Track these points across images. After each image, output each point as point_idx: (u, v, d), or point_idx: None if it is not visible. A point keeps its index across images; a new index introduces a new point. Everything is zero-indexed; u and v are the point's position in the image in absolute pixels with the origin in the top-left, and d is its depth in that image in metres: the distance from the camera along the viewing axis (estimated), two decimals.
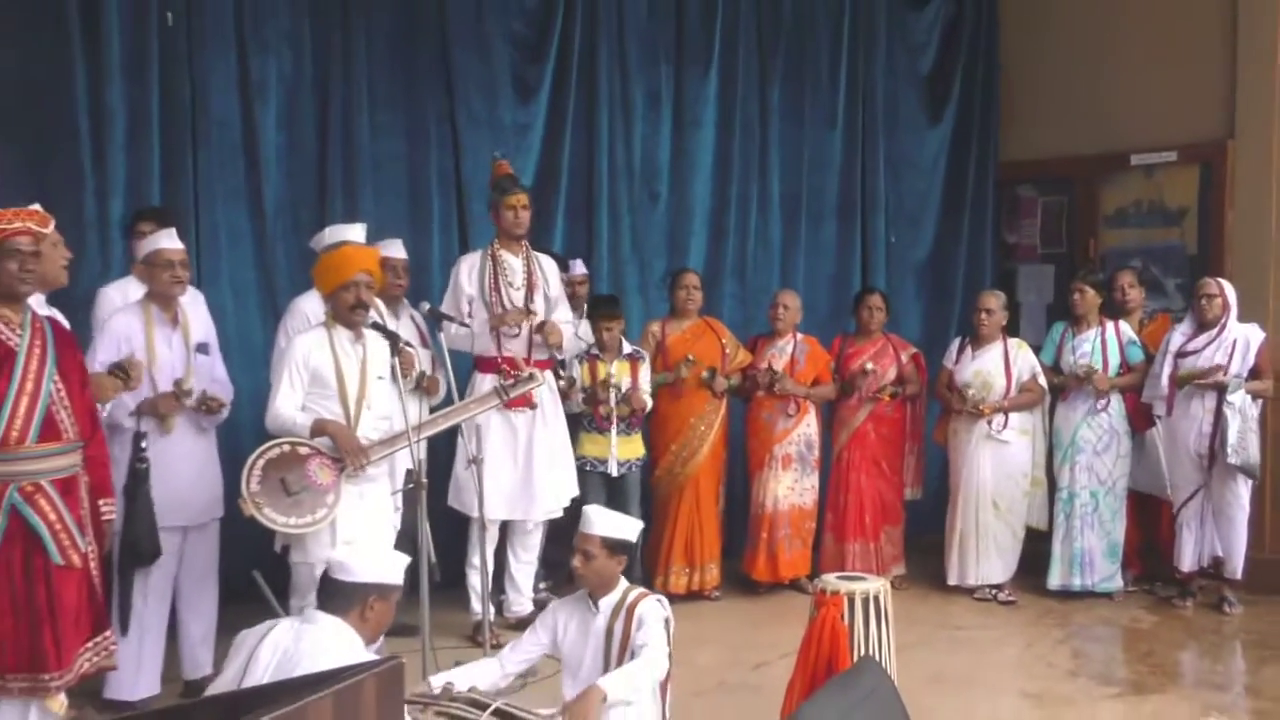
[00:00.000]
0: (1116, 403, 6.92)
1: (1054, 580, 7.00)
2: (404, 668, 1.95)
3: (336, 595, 3.59)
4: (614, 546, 4.36)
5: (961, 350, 7.11)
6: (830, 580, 4.61)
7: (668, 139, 7.84)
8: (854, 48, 8.32)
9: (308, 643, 3.47)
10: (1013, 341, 7.05)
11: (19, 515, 4.12)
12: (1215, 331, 6.60)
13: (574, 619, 4.48)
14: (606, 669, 4.19)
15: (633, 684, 4.15)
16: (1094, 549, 6.96)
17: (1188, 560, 6.78)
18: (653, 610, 4.34)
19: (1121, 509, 6.98)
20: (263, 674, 3.47)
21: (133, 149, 6.42)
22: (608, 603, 4.37)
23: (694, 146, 7.89)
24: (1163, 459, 6.93)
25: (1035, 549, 7.10)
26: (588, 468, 6.53)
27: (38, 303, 4.58)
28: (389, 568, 3.72)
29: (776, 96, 8.10)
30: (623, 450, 6.59)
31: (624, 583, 4.43)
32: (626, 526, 4.46)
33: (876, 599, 4.53)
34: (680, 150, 7.87)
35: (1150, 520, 7.20)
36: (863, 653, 4.41)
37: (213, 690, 3.68)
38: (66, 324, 4.68)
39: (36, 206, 4.33)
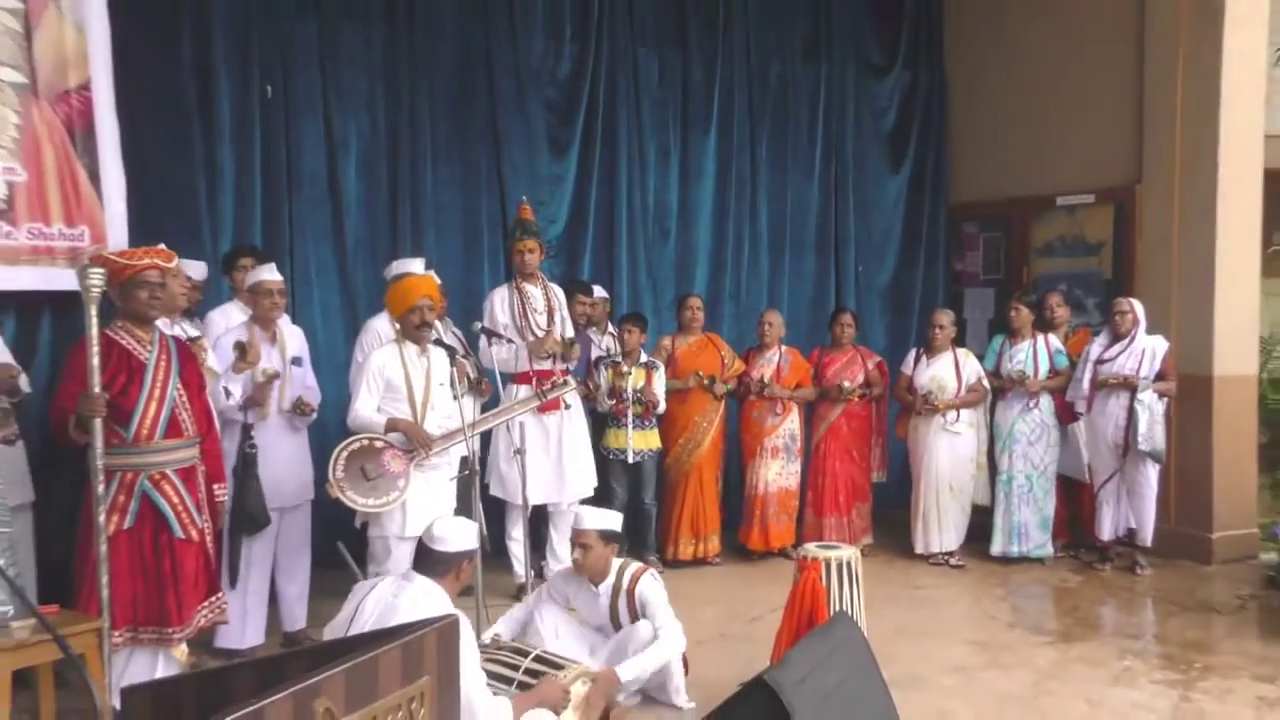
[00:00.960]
0: (1046, 401, 6.89)
1: (996, 548, 6.97)
2: (459, 622, 1.96)
3: (436, 563, 3.64)
4: (608, 536, 4.36)
5: (917, 359, 7.09)
6: (811, 549, 4.61)
7: (675, 187, 7.82)
8: (828, 111, 8.30)
9: (405, 598, 3.54)
10: (961, 351, 7.03)
11: (148, 498, 4.16)
12: (1127, 342, 6.58)
13: (579, 595, 4.49)
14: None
15: (647, 669, 4.17)
16: (1029, 522, 6.93)
17: (1106, 531, 6.74)
18: (653, 590, 4.33)
19: (1051, 489, 6.95)
20: (367, 619, 3.54)
21: (239, 198, 6.46)
22: (606, 586, 4.37)
23: (697, 193, 7.88)
24: (1083, 448, 6.90)
25: (980, 521, 7.06)
26: (611, 456, 6.53)
27: (164, 324, 4.62)
28: (473, 538, 3.74)
29: (764, 151, 8.08)
30: (639, 442, 6.58)
31: (618, 561, 4.42)
32: (614, 518, 4.48)
33: (849, 564, 4.53)
34: (686, 196, 7.86)
35: (1074, 498, 7.16)
36: (837, 609, 4.41)
37: (327, 627, 3.69)
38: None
39: (162, 246, 4.36)
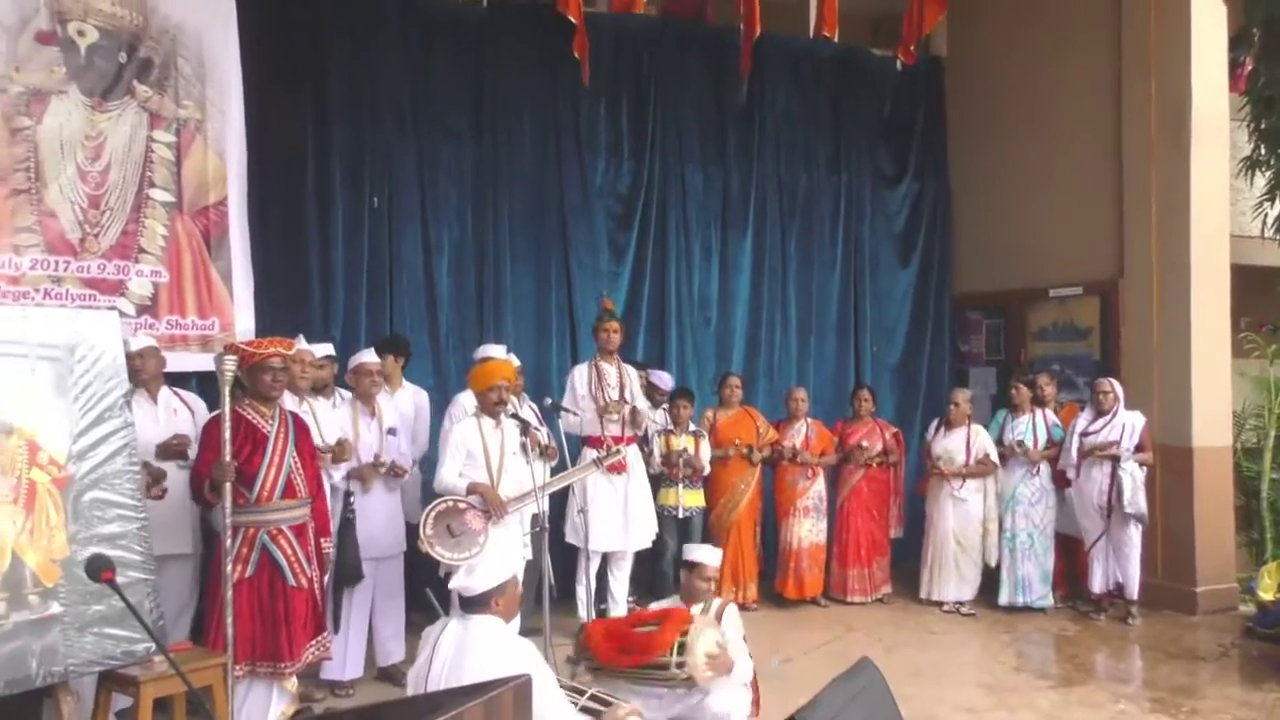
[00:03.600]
0: (1045, 468, 6.71)
1: (1003, 598, 6.73)
2: (531, 681, 1.89)
3: (472, 602, 3.58)
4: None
5: (938, 430, 6.95)
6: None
7: (716, 280, 7.79)
8: (847, 215, 8.25)
9: (473, 633, 3.50)
10: (975, 427, 6.87)
11: (267, 550, 4.15)
12: (1109, 417, 6.43)
13: None
14: None
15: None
16: (1031, 575, 6.70)
17: (1097, 584, 6.53)
18: (733, 622, 4.25)
19: (1051, 546, 6.73)
20: (446, 656, 3.47)
21: (349, 292, 6.53)
22: (697, 610, 4.30)
23: (735, 285, 7.84)
24: (1075, 510, 6.70)
25: (989, 574, 6.84)
26: (664, 513, 6.42)
27: (294, 401, 4.67)
28: (489, 576, 3.66)
29: (793, 249, 8.04)
30: (688, 500, 6.47)
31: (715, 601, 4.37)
32: (715, 554, 4.48)
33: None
34: (725, 288, 7.82)
35: (1072, 554, 6.90)
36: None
37: (411, 671, 3.63)
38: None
39: (300, 338, 4.39)
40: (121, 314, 5.00)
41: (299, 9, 6.33)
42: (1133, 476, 6.27)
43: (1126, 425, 6.39)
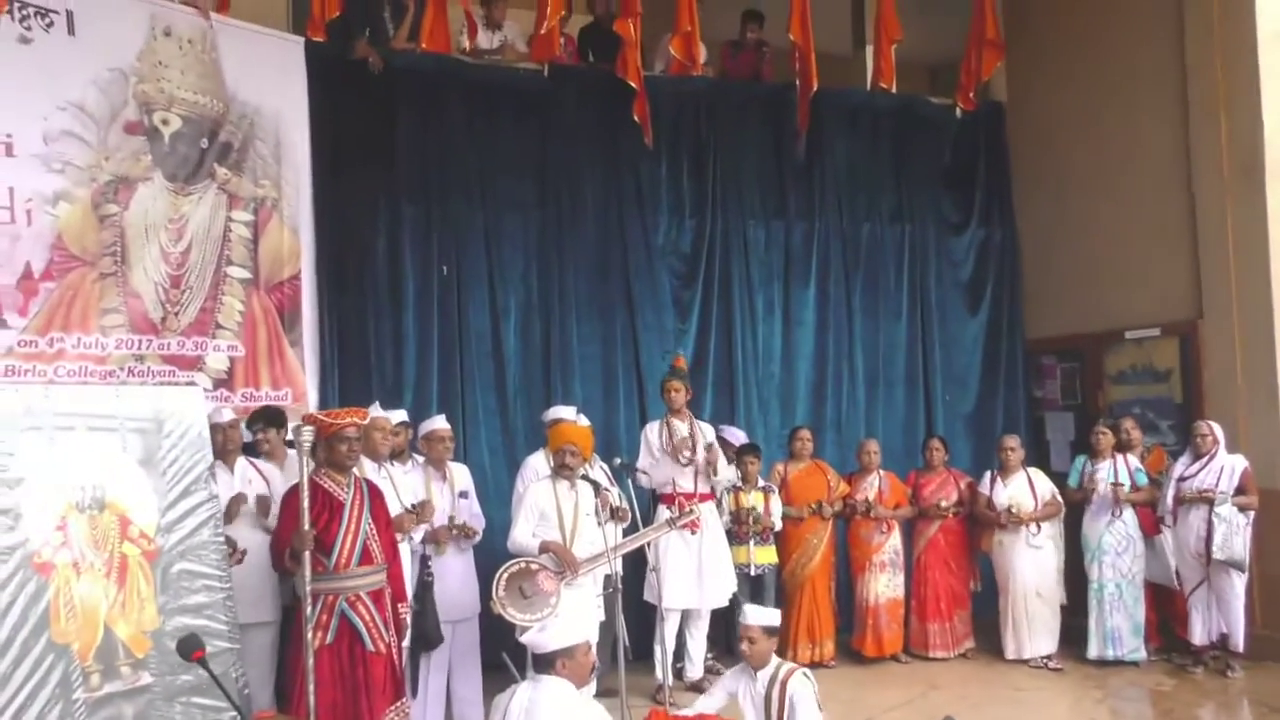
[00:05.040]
0: (1129, 514, 6.48)
1: (1092, 651, 6.49)
2: None
3: (540, 662, 3.60)
4: (768, 632, 4.26)
5: (993, 480, 6.78)
6: None
7: (780, 334, 7.75)
8: (913, 263, 8.18)
9: (542, 696, 3.52)
10: (1032, 470, 6.73)
11: (346, 617, 4.19)
12: (1206, 460, 6.21)
13: (740, 683, 4.36)
14: None
15: None
16: (1121, 627, 6.46)
17: (1198, 635, 6.25)
18: (802, 688, 4.16)
19: (1141, 595, 6.47)
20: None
21: (420, 357, 6.65)
22: (764, 674, 4.23)
23: (799, 339, 7.79)
24: (1170, 557, 6.46)
25: (1074, 625, 6.60)
26: (737, 571, 6.34)
27: (372, 468, 4.77)
28: (560, 636, 3.67)
29: (858, 300, 7.98)
30: (760, 557, 6.39)
31: (776, 659, 4.29)
32: (773, 615, 4.36)
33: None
34: (789, 341, 7.77)
35: (1164, 604, 6.66)
36: None
37: None
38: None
39: (375, 406, 4.48)
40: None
41: (368, 89, 6.57)
42: (1227, 521, 6.02)
43: (1226, 468, 6.17)
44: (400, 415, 5.58)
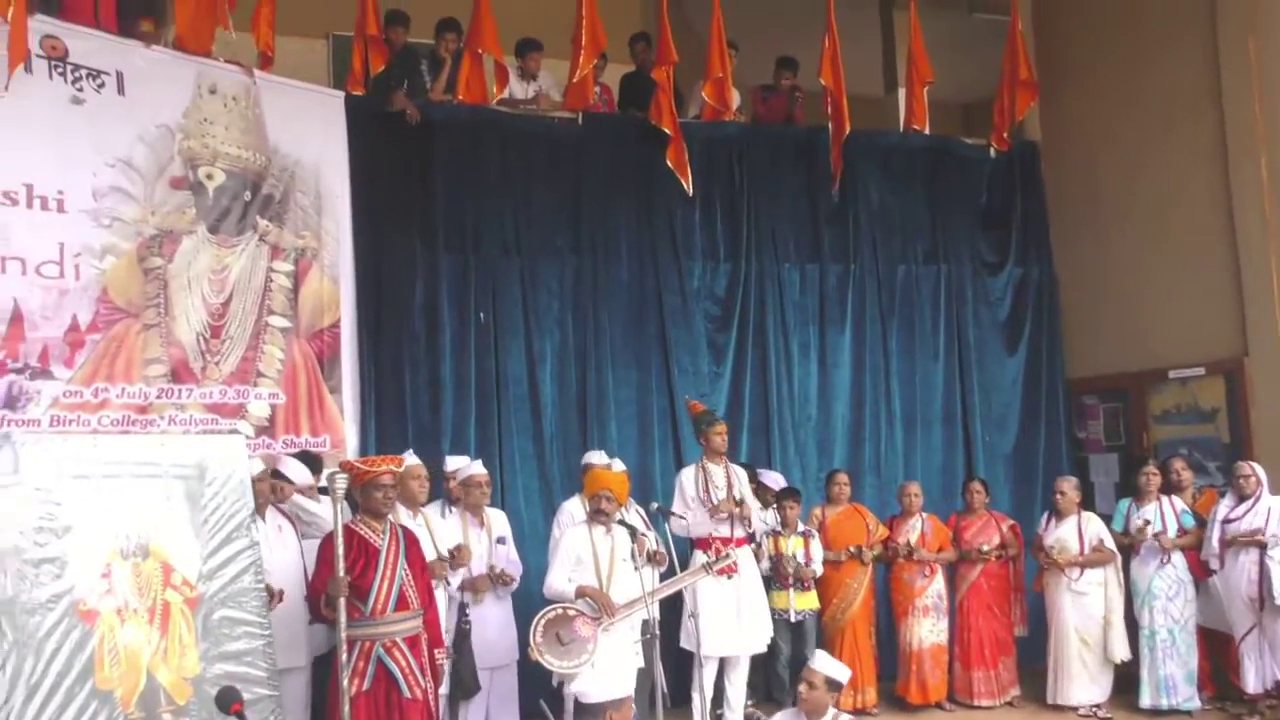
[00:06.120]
0: (1179, 558, 6.33)
1: (1145, 700, 6.32)
2: None
3: (585, 713, 3.56)
4: (831, 684, 4.20)
5: (1048, 522, 6.68)
6: None
7: (816, 377, 7.73)
8: (949, 303, 8.14)
9: None
10: (1085, 514, 6.58)
11: (382, 663, 4.20)
12: (1252, 502, 6.07)
13: None
14: None
15: None
16: (1175, 675, 6.28)
17: (1252, 683, 6.06)
18: None
19: (1194, 642, 6.31)
20: None
21: (458, 404, 6.71)
22: None
23: (835, 381, 7.76)
24: (1222, 602, 6.31)
25: (1126, 672, 6.44)
26: (776, 616, 6.28)
27: (407, 515, 4.81)
28: (610, 689, 3.64)
29: (894, 342, 7.94)
30: (800, 603, 6.33)
31: (832, 710, 4.24)
32: (842, 671, 4.30)
33: None
34: (825, 384, 7.74)
35: (1218, 650, 6.47)
36: None
37: None
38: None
39: (410, 453, 4.53)
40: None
41: (406, 140, 6.72)
42: None
43: (1273, 510, 6.03)
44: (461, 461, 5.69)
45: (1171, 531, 6.37)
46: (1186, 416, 7.41)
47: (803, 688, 4.19)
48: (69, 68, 5.18)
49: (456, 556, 5.07)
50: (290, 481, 5.21)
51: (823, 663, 4.23)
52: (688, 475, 6.19)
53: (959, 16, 8.92)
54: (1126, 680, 6.45)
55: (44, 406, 4.99)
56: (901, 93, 8.27)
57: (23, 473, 3.64)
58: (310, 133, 6.16)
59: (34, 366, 5.00)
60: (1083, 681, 6.43)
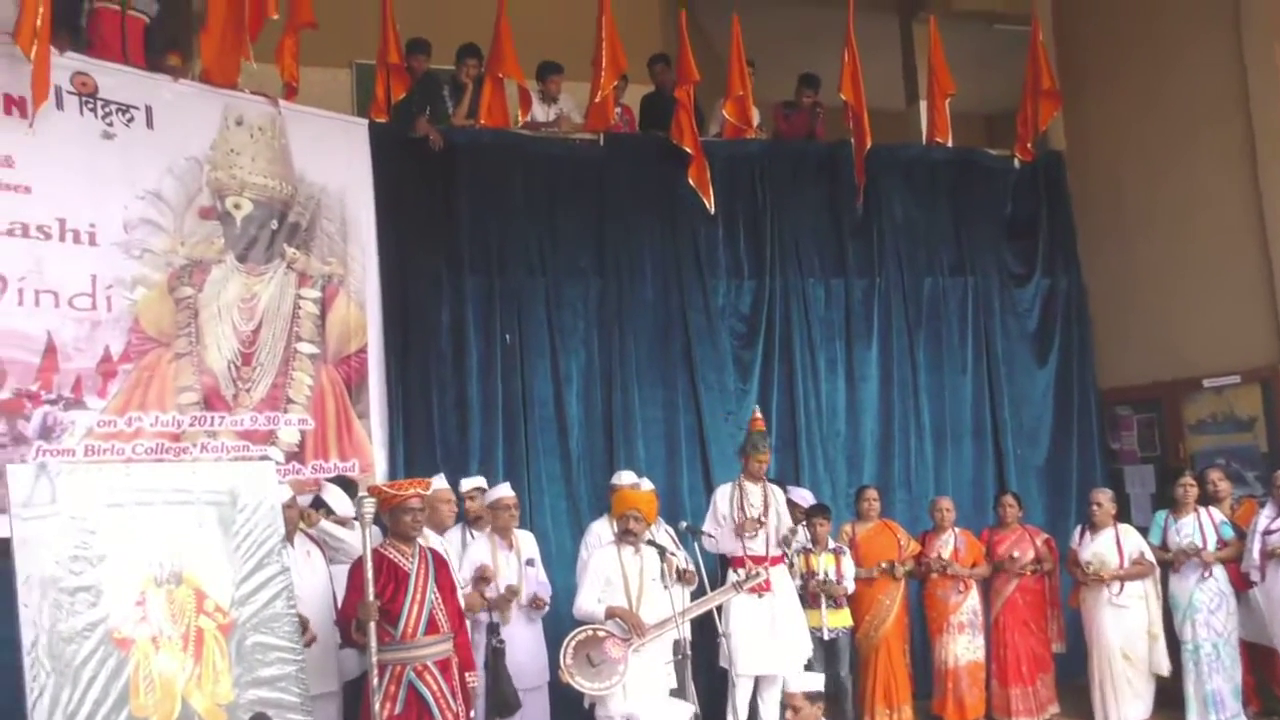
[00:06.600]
0: (1220, 570, 6.22)
1: (1192, 717, 6.19)
2: None
3: None
4: (812, 696, 4.17)
5: (1082, 535, 6.57)
6: None
7: (843, 392, 7.69)
8: (976, 316, 8.09)
9: None
10: (1122, 527, 6.47)
11: (413, 687, 4.20)
12: None
13: None
14: None
15: None
16: (1222, 690, 6.16)
17: None
18: None
19: (1238, 655, 6.20)
20: None
21: (485, 425, 6.73)
22: None
23: (863, 396, 7.71)
24: (1264, 614, 6.19)
25: (1166, 687, 6.32)
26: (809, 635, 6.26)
27: (436, 538, 4.82)
28: (641, 710, 3.63)
29: (922, 355, 7.89)
30: (832, 620, 6.24)
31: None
32: (814, 680, 4.28)
33: None
34: (853, 399, 7.70)
35: (1263, 664, 6.35)
36: None
37: None
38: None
39: (439, 477, 4.55)
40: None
41: (430, 165, 6.79)
42: None
43: None
44: (475, 482, 5.74)
45: (1211, 544, 6.27)
46: (1223, 425, 7.30)
47: (788, 714, 4.16)
48: (99, 103, 5.28)
49: (483, 575, 5.08)
50: (332, 511, 5.25)
51: (795, 683, 4.21)
52: (723, 493, 6.15)
53: (980, 28, 8.91)
54: (1165, 695, 6.34)
55: (78, 436, 5.06)
56: (923, 106, 8.26)
57: (59, 502, 3.69)
58: (335, 161, 6.24)
59: (68, 397, 5.08)
60: (1128, 698, 6.32)
